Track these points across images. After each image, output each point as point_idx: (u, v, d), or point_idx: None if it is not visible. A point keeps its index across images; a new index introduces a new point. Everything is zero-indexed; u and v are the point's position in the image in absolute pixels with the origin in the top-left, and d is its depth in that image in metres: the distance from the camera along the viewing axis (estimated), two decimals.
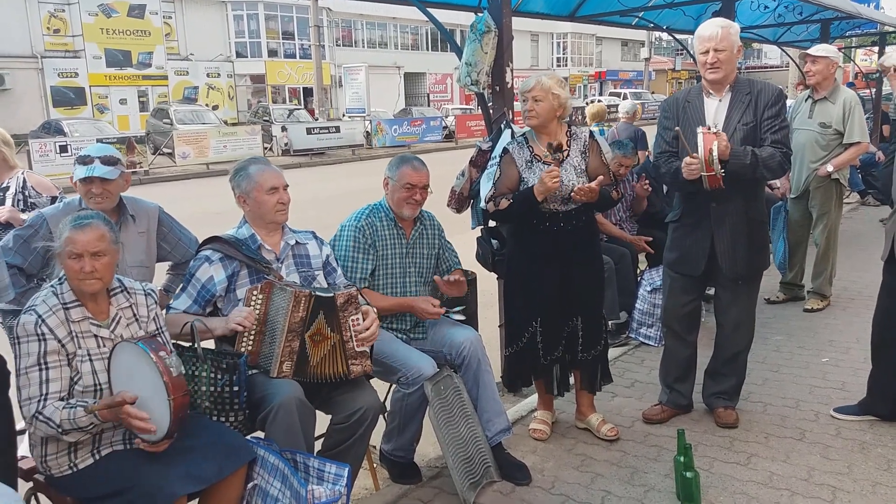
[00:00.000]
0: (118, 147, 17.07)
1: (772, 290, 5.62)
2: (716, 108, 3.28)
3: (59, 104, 26.58)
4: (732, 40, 3.18)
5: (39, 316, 2.16)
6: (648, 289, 4.76)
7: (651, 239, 5.02)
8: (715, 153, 3.01)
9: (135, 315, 2.37)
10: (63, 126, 19.21)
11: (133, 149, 17.57)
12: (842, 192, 5.28)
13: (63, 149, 16.08)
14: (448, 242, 3.44)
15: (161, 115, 22.88)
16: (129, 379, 2.15)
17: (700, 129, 3.11)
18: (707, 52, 3.19)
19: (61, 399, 2.15)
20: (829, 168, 5.00)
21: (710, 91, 3.31)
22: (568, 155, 3.22)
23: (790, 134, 3.55)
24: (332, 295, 2.64)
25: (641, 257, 5.27)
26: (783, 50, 12.92)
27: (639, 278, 5.00)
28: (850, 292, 5.62)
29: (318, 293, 2.63)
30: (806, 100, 5.18)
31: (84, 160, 2.84)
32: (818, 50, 5.08)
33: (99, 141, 16.47)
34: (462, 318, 3.26)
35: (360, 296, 2.73)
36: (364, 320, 2.69)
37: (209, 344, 2.67)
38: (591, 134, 3.32)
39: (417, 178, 3.14)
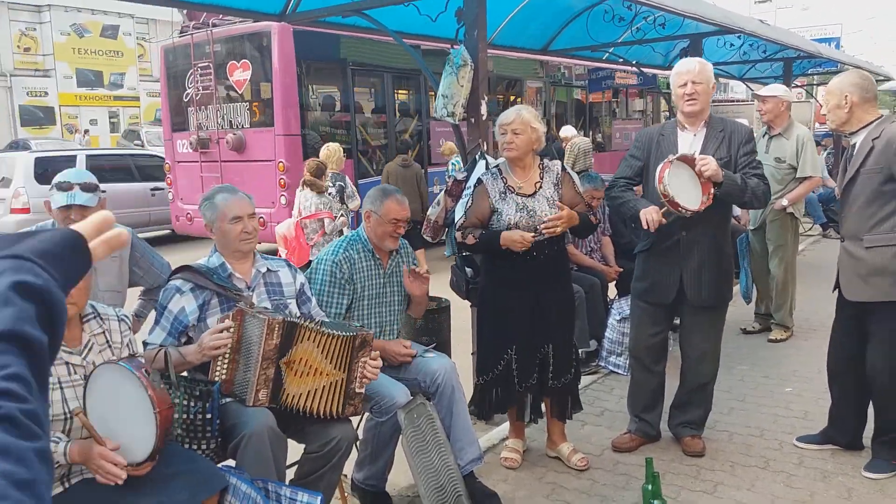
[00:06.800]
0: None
1: (747, 321, 5.76)
2: (690, 143, 3.39)
3: (28, 123, 26.22)
4: (708, 75, 3.34)
5: None
6: (618, 318, 4.84)
7: (622, 270, 5.13)
8: (667, 180, 3.10)
9: (108, 341, 2.36)
10: (31, 145, 18.91)
11: None
12: (797, 224, 5.49)
13: None
14: None
15: (132, 136, 22.69)
16: (110, 401, 2.13)
17: (663, 161, 3.19)
18: (685, 84, 3.31)
19: None
20: (784, 202, 5.22)
21: (686, 125, 3.42)
22: (541, 187, 3.29)
23: None
24: (353, 335, 2.67)
25: (611, 286, 5.36)
26: (748, 86, 13.32)
27: (609, 307, 5.08)
28: (812, 323, 5.77)
29: (336, 332, 2.66)
30: (763, 136, 5.39)
31: (63, 187, 2.81)
32: (768, 90, 5.41)
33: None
34: (433, 356, 3.29)
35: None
36: (374, 362, 2.72)
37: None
38: (563, 166, 3.40)
39: (402, 212, 3.16)
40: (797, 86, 14.59)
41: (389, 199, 3.16)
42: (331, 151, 7.00)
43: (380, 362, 2.76)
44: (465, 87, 3.88)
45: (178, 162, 10.16)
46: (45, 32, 26.77)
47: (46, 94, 26.78)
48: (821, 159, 10.54)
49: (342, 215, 6.84)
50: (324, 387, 2.65)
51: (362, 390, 2.72)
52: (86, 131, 26.22)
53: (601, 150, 15.10)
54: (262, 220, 8.66)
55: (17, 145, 19.64)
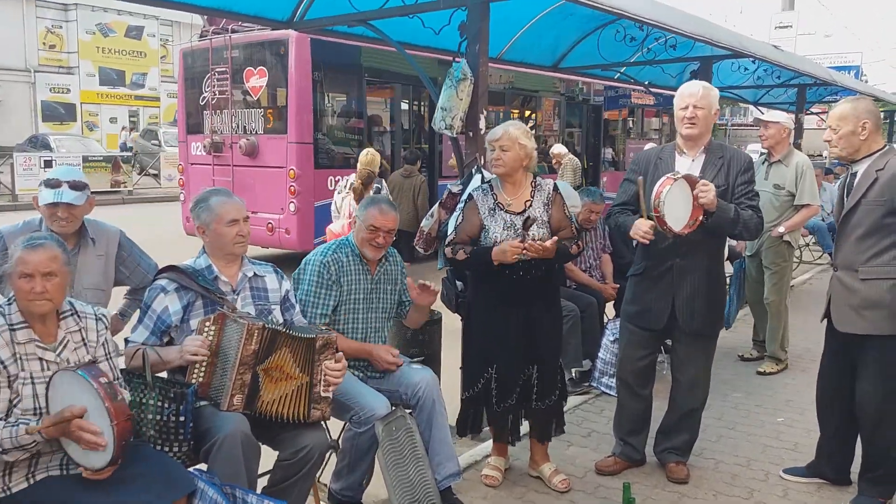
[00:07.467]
0: (104, 166, 17.12)
1: (745, 348, 5.69)
2: (688, 168, 3.36)
3: (49, 119, 26.62)
4: (711, 101, 3.31)
5: None
6: (611, 338, 4.78)
7: (618, 287, 5.08)
8: (663, 197, 3.07)
9: (83, 339, 2.36)
10: (50, 141, 19.20)
11: (119, 168, 17.58)
12: (792, 253, 5.43)
13: (48, 164, 16.04)
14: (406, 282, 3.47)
15: (150, 136, 22.95)
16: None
17: (667, 175, 3.16)
18: (687, 107, 3.30)
19: (0, 419, 2.14)
20: (781, 229, 5.17)
21: (684, 150, 3.40)
22: (531, 206, 3.27)
23: None
24: (313, 336, 2.66)
25: (609, 306, 5.31)
26: (761, 112, 13.26)
27: (605, 326, 5.03)
28: (813, 353, 5.66)
29: (297, 333, 2.65)
30: (763, 162, 5.35)
31: (51, 184, 2.82)
32: (770, 116, 5.42)
33: (84, 158, 16.50)
34: (418, 367, 3.28)
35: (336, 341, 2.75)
36: (336, 365, 2.70)
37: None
38: (556, 186, 3.38)
39: (382, 221, 3.13)
40: (813, 113, 14.48)
41: (373, 207, 3.16)
42: (372, 157, 7.37)
43: (343, 365, 2.73)
44: (464, 100, 3.89)
45: (192, 164, 10.28)
46: (70, 30, 27.21)
47: (69, 90, 27.18)
48: (833, 188, 10.43)
49: None
50: (291, 391, 2.64)
51: (328, 394, 2.69)
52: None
53: (616, 169, 15.09)
54: (269, 225, 8.81)
55: (36, 140, 19.92)
